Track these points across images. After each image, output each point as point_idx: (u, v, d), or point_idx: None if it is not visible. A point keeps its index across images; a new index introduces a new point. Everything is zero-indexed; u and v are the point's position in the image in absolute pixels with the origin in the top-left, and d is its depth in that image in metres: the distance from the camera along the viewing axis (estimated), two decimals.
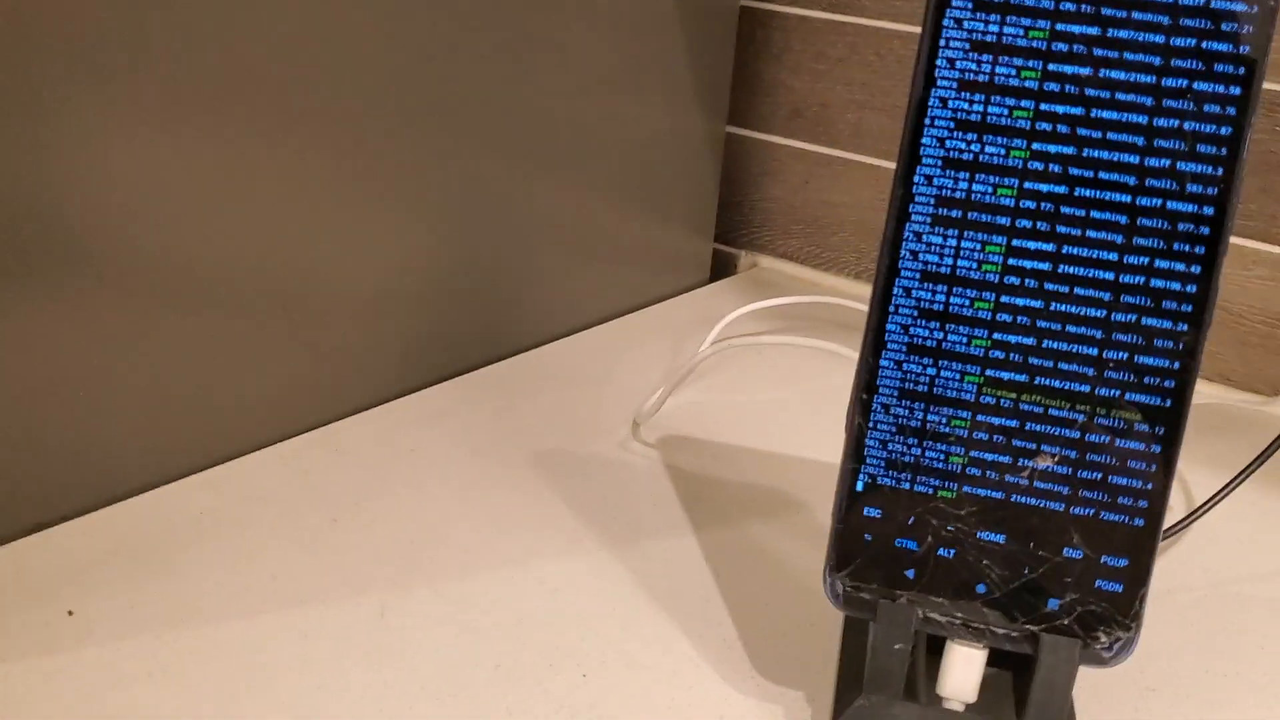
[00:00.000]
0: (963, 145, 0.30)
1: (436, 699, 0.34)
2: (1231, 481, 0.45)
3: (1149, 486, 0.30)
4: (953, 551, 0.32)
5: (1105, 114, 0.29)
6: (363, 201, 0.49)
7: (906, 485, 0.32)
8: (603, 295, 0.64)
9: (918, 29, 0.65)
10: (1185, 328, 0.30)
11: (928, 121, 0.30)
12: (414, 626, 0.38)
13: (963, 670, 0.32)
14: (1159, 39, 0.28)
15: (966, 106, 0.30)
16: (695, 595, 0.40)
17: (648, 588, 0.41)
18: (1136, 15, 0.28)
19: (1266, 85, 0.55)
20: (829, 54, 0.68)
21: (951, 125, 0.30)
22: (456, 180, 0.53)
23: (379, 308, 0.51)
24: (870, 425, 0.32)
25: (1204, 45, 0.28)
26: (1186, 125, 0.29)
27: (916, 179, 0.30)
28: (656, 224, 0.66)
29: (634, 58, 0.60)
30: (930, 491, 0.31)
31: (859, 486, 0.32)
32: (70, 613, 0.37)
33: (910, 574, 0.32)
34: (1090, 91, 0.29)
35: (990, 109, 0.30)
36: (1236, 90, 0.28)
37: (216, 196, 0.43)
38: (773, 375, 0.59)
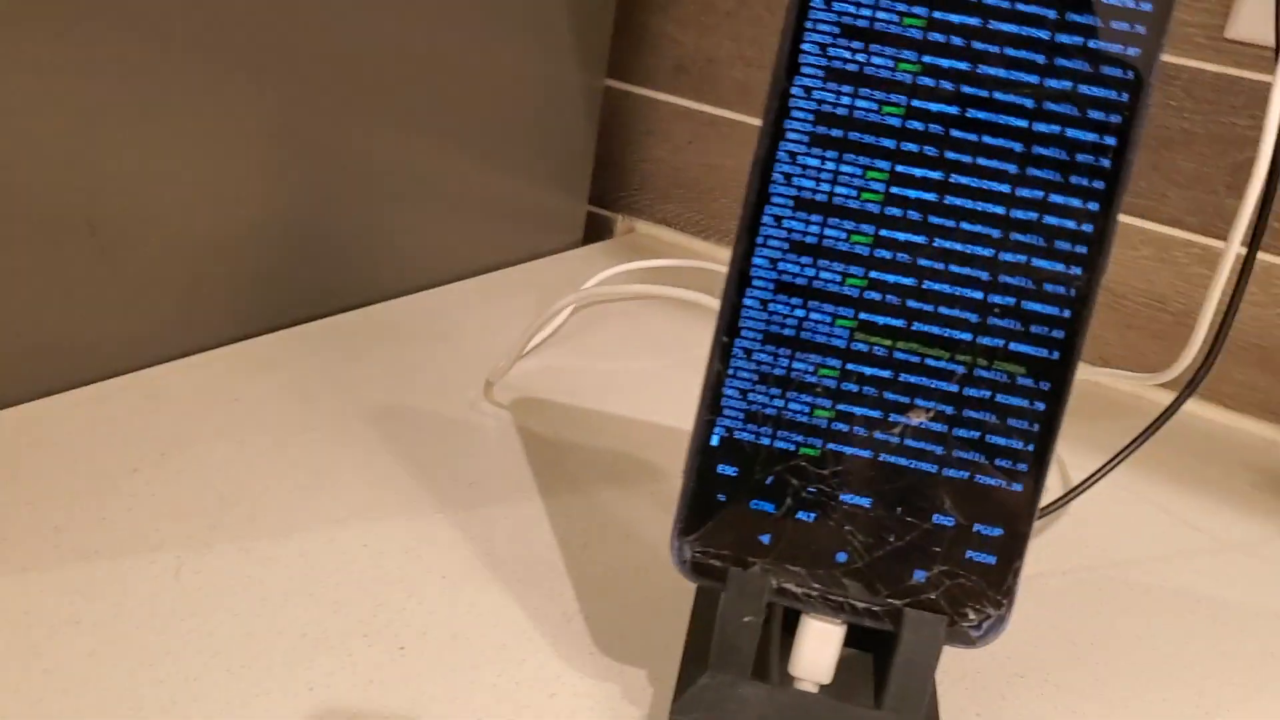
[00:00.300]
0: (847, 54, 0.26)
1: (226, 670, 0.30)
2: (1108, 463, 0.42)
3: (1030, 448, 0.27)
4: (813, 515, 0.28)
5: (1004, 26, 0.26)
6: (190, 129, 0.44)
7: (766, 441, 0.28)
8: (463, 251, 0.59)
9: None
10: (1079, 271, 0.27)
11: (809, 25, 0.26)
12: (211, 588, 0.33)
13: (818, 648, 0.28)
14: (1049, 11, 0.25)
15: (854, 10, 0.26)
16: (536, 564, 0.36)
17: (485, 555, 0.36)
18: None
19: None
20: (718, 6, 0.65)
21: (836, 31, 0.26)
22: (301, 116, 0.48)
23: (207, 245, 0.46)
24: (729, 372, 0.28)
25: (1085, 20, 0.25)
26: (1090, 44, 0.26)
27: (794, 90, 0.27)
28: (525, 180, 0.62)
29: (503, 6, 0.56)
30: (792, 448, 0.28)
31: (714, 441, 0.28)
32: None
33: (765, 539, 0.28)
34: (967, 90, 0.26)
35: (879, 14, 0.26)
36: (1148, 7, 0.25)
37: (11, 96, 0.38)
38: (639, 340, 0.55)
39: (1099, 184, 0.26)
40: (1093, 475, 0.43)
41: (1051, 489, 0.46)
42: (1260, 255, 0.55)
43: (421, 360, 0.49)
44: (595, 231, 0.73)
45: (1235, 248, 0.36)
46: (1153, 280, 0.57)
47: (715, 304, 0.48)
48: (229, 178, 0.46)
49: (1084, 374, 0.51)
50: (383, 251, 0.54)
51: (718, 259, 0.67)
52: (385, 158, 0.52)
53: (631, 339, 0.55)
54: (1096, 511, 0.46)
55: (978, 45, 0.26)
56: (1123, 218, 0.57)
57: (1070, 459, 0.49)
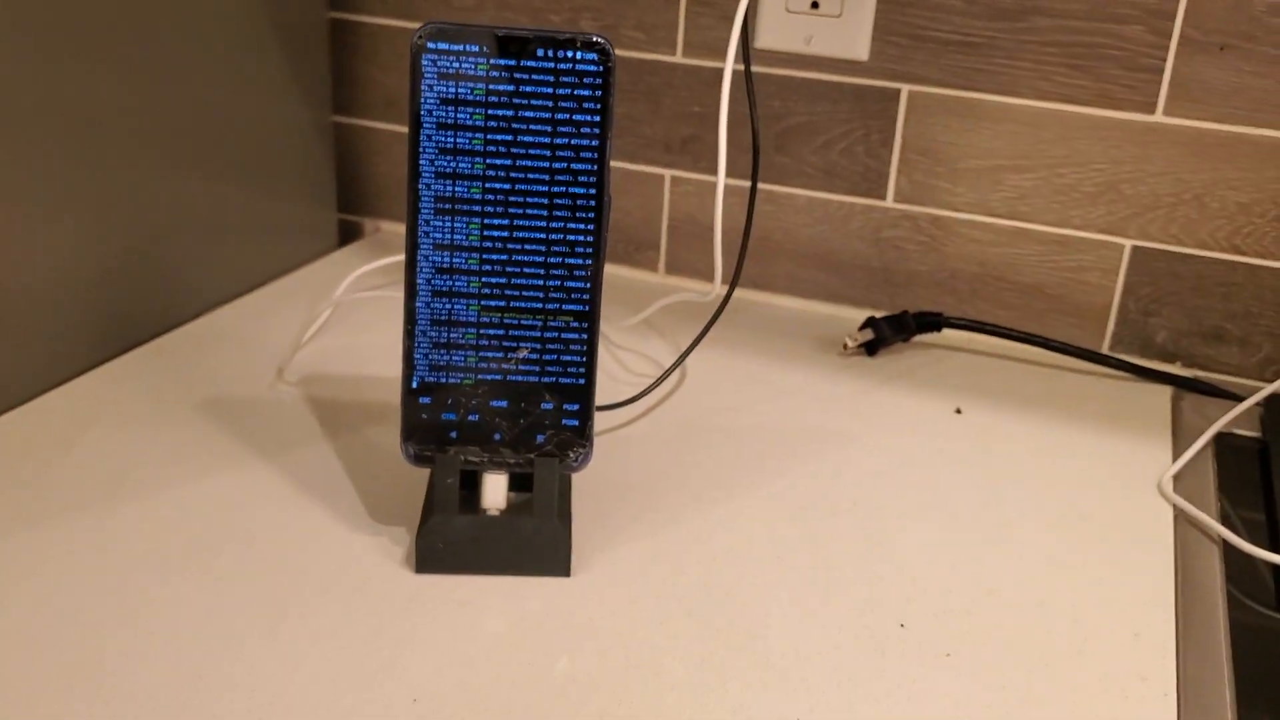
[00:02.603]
0: (446, 164, 0.48)
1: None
2: (685, 352, 0.66)
3: (583, 359, 0.50)
4: (476, 416, 0.50)
5: (525, 138, 0.48)
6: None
7: (442, 379, 0.50)
8: (244, 268, 0.78)
9: None
10: (589, 263, 0.49)
11: (421, 150, 0.47)
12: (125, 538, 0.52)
13: (493, 488, 0.51)
14: (549, 90, 0.47)
15: (444, 139, 0.47)
16: (328, 481, 0.57)
17: (295, 481, 0.57)
18: (535, 76, 0.47)
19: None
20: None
21: (436, 151, 0.48)
22: (90, 172, 0.66)
23: (13, 296, 0.64)
24: (415, 345, 0.49)
25: (576, 92, 0.47)
26: (573, 142, 0.48)
27: (420, 186, 0.48)
28: (284, 202, 0.81)
29: (241, 66, 0.74)
30: (458, 381, 0.50)
31: (414, 384, 0.50)
32: None
33: (453, 435, 0.50)
34: (515, 126, 0.48)
35: (459, 140, 0.48)
36: (598, 118, 0.48)
37: None
38: (392, 318, 0.76)
39: (591, 214, 0.48)
40: (674, 362, 0.66)
41: (651, 376, 0.69)
42: (771, 187, 0.79)
43: (225, 362, 0.69)
44: (350, 234, 0.93)
45: (722, 181, 0.59)
46: (697, 212, 0.81)
47: None
48: (31, 233, 0.64)
49: (669, 299, 0.73)
50: (181, 281, 0.73)
51: None
52: (168, 202, 0.71)
53: (380, 317, 0.75)
54: (700, 382, 0.69)
55: (515, 150, 0.48)
56: (690, 175, 0.81)
57: (665, 358, 0.73)
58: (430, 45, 0.47)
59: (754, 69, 0.77)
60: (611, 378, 0.69)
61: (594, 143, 0.48)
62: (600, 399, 0.66)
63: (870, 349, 0.74)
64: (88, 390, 0.65)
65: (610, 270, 0.86)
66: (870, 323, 0.74)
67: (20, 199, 0.61)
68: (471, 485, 0.52)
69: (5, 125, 0.59)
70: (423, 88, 0.47)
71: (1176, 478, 0.62)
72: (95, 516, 0.53)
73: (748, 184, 0.79)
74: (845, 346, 0.74)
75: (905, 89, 0.75)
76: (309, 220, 0.84)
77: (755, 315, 0.80)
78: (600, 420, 0.64)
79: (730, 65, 0.60)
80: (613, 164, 0.82)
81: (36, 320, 0.63)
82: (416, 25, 0.84)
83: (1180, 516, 0.59)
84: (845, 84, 0.76)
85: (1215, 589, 0.53)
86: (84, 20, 0.62)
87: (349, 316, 0.76)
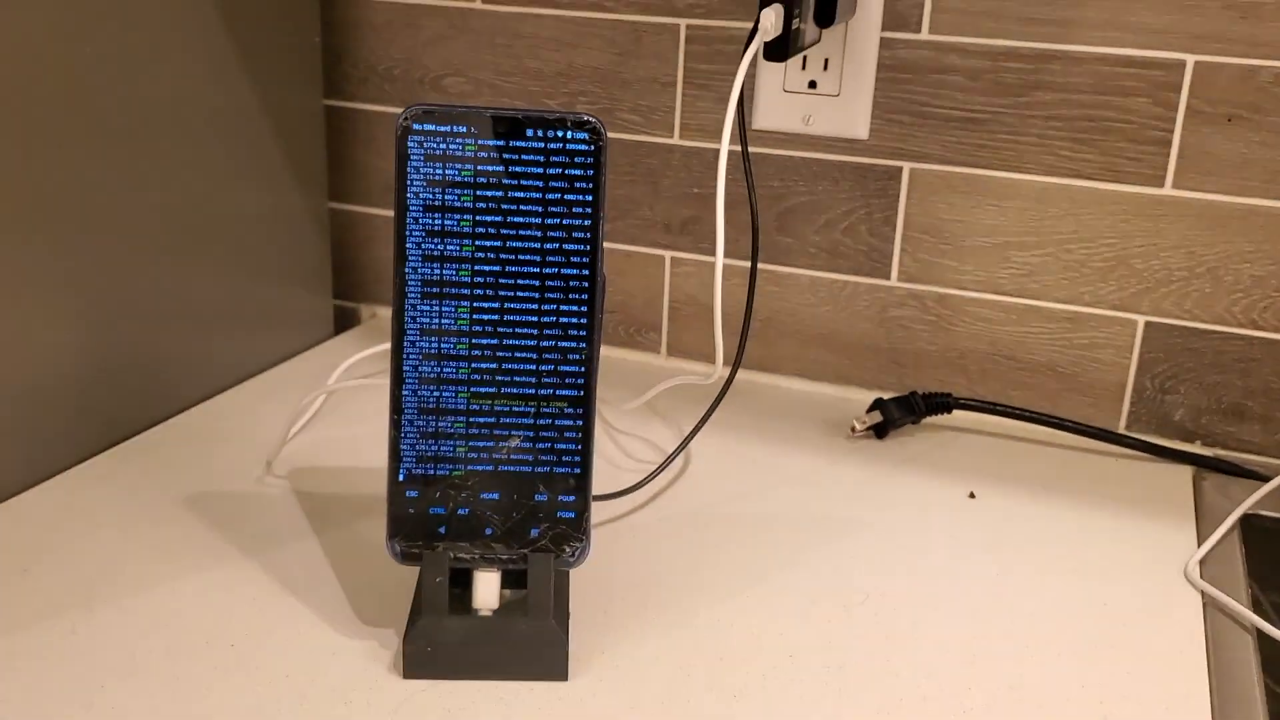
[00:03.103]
0: (433, 246, 0.46)
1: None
2: (687, 438, 0.64)
3: (578, 447, 0.48)
4: (466, 510, 0.48)
5: (516, 219, 0.46)
6: None
7: (431, 471, 0.47)
8: (237, 358, 0.76)
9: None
10: (584, 346, 0.47)
11: (408, 233, 0.46)
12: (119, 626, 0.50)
13: (485, 587, 0.48)
14: (539, 169, 0.46)
15: (432, 222, 0.46)
16: (315, 580, 0.55)
17: (279, 581, 0.54)
18: (525, 157, 0.45)
19: None
20: None
21: (424, 234, 0.46)
22: (87, 267, 0.64)
23: (14, 395, 0.62)
24: (401, 435, 0.47)
25: (567, 172, 0.46)
26: (565, 221, 0.46)
27: (408, 270, 0.46)
28: (277, 290, 0.80)
29: (235, 154, 0.73)
30: (446, 473, 0.47)
31: (400, 477, 0.48)
32: None
33: (442, 530, 0.48)
34: (505, 207, 0.46)
35: (447, 222, 0.46)
36: (590, 197, 0.46)
37: None
38: (384, 406, 0.74)
39: (585, 296, 0.46)
40: (677, 448, 0.64)
41: (654, 462, 0.67)
42: (774, 267, 0.77)
43: (214, 456, 0.66)
44: (347, 321, 0.91)
45: (720, 261, 0.57)
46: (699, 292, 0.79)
47: None
48: (14, 326, 0.62)
49: (671, 382, 0.71)
50: (167, 374, 0.71)
51: None
52: (166, 294, 0.69)
53: (373, 405, 0.73)
54: (705, 468, 0.67)
55: (505, 232, 0.46)
56: (691, 256, 0.79)
57: (667, 443, 0.70)
58: (416, 126, 0.45)
59: (754, 149, 0.76)
60: (612, 464, 0.67)
61: (586, 222, 0.46)
62: (600, 487, 0.63)
63: (879, 431, 0.72)
64: (71, 488, 0.62)
65: (611, 353, 0.84)
66: (878, 404, 0.72)
67: (4, 291, 0.59)
68: (464, 583, 0.49)
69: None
70: (409, 169, 0.46)
71: (1203, 562, 0.60)
72: (69, 622, 0.51)
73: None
74: (853, 429, 0.71)
75: (907, 166, 0.73)
76: (304, 308, 0.83)
77: (761, 398, 0.78)
78: (600, 510, 0.62)
79: (726, 146, 0.59)
80: (613, 246, 0.81)
81: (17, 416, 0.61)
82: None
83: (1210, 604, 0.56)
84: (846, 163, 0.75)
85: (1251, 680, 0.50)
86: (73, 109, 0.61)
87: (341, 406, 0.74)
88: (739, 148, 0.71)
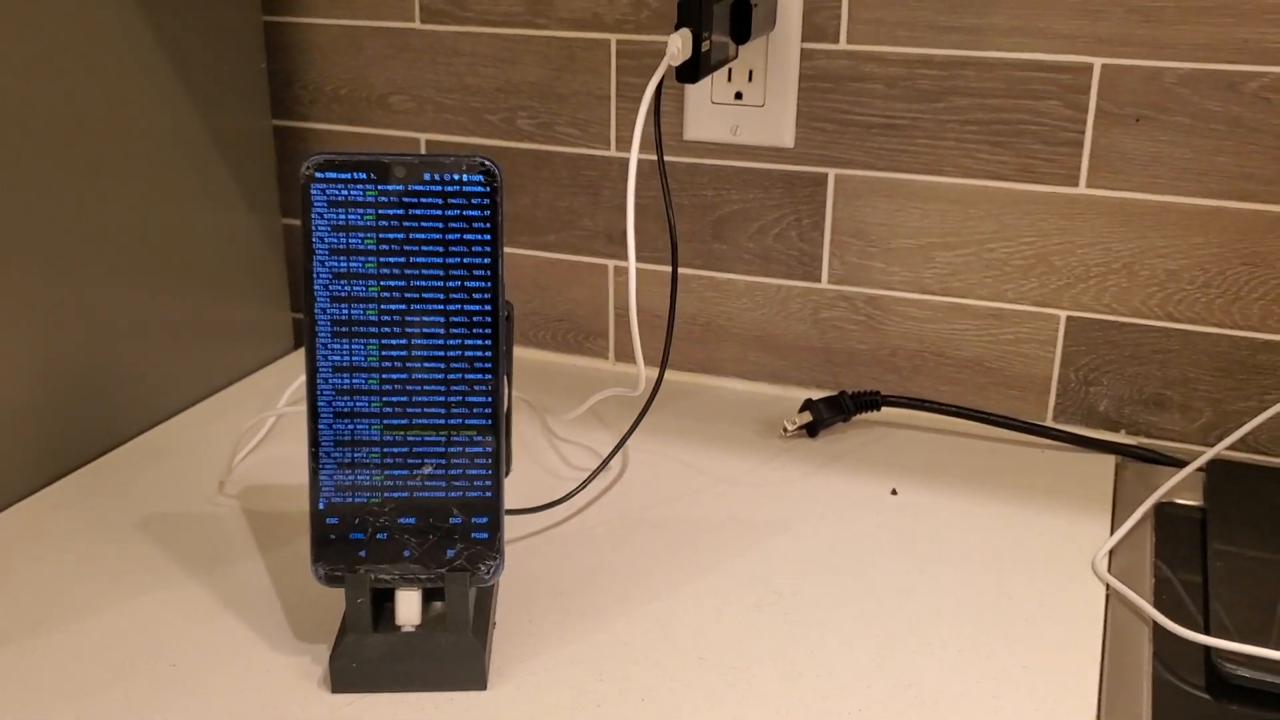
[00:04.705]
0: (340, 288, 0.49)
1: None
2: (614, 449, 0.66)
3: (489, 472, 0.50)
4: (385, 534, 0.50)
5: (418, 259, 0.48)
6: None
7: (349, 499, 0.50)
8: (196, 377, 0.79)
9: (414, 133, 0.85)
10: (489, 377, 0.50)
11: (316, 276, 0.48)
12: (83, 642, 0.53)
13: (406, 605, 0.51)
14: (438, 211, 0.48)
15: (338, 264, 0.48)
16: (256, 597, 0.57)
17: (223, 599, 0.57)
18: (424, 200, 0.48)
19: None
20: None
21: (330, 276, 0.48)
22: (45, 299, 0.67)
23: None
24: (320, 466, 0.50)
25: (464, 212, 0.48)
26: (465, 260, 0.49)
27: (317, 310, 0.49)
28: (234, 307, 0.82)
29: (185, 175, 0.76)
30: (364, 500, 0.50)
31: (320, 505, 0.50)
32: None
33: (363, 554, 0.50)
34: (408, 248, 0.48)
35: (352, 264, 0.48)
36: (488, 236, 0.48)
37: None
38: None
39: (489, 330, 0.49)
40: (604, 460, 0.66)
41: (587, 472, 0.69)
42: (712, 274, 0.79)
43: (169, 476, 0.69)
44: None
45: (634, 266, 0.60)
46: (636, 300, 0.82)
47: None
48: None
49: (613, 390, 0.74)
50: (122, 396, 0.74)
51: None
52: (123, 317, 0.72)
53: None
54: (639, 473, 0.69)
55: (408, 272, 0.48)
56: (624, 263, 0.82)
57: (603, 450, 0.73)
58: (319, 175, 0.48)
59: (686, 160, 0.78)
60: (552, 473, 0.70)
61: (486, 260, 0.49)
62: (536, 496, 0.66)
63: (811, 430, 0.74)
64: (27, 515, 0.65)
65: (561, 359, 0.87)
66: (808, 405, 0.74)
67: None
68: (390, 598, 0.52)
69: None
70: (313, 216, 0.48)
71: (1112, 553, 0.62)
72: (17, 647, 0.54)
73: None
74: (785, 430, 0.74)
75: (832, 173, 0.76)
76: (263, 322, 0.85)
77: (702, 400, 0.80)
78: (533, 520, 0.64)
79: (635, 157, 0.62)
80: (559, 256, 0.84)
81: None
82: (360, 131, 0.86)
83: (1113, 596, 0.58)
84: (774, 170, 0.77)
85: (1142, 675, 0.53)
86: (25, 137, 0.64)
87: (297, 423, 0.76)
88: (686, 160, 0.74)
